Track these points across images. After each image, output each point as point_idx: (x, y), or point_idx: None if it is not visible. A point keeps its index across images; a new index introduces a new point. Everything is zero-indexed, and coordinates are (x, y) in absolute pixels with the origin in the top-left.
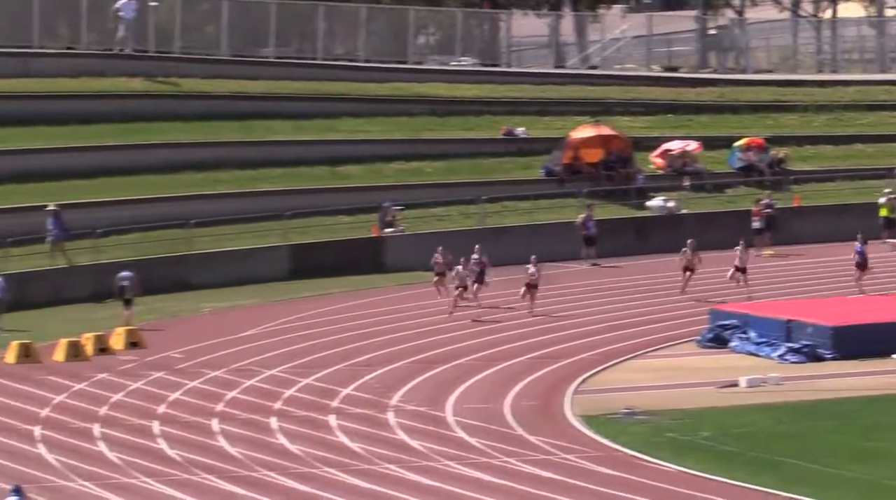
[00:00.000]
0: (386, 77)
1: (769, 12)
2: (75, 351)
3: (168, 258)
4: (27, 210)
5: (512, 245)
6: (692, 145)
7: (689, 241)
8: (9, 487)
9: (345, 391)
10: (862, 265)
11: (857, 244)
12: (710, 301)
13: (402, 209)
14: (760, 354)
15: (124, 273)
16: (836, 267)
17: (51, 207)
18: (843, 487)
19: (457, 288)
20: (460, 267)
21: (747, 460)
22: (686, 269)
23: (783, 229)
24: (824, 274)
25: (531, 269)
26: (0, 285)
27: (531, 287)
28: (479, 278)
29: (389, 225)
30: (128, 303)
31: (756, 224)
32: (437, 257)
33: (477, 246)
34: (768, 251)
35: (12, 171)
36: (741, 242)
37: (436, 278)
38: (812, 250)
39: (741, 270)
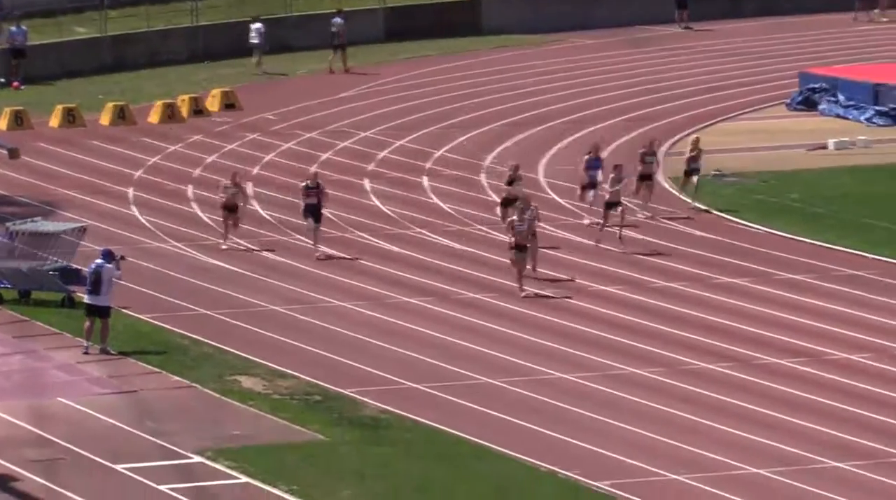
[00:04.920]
0: None
1: None
2: (170, 112)
3: (266, 20)
4: None
5: (609, 9)
6: None
7: None
8: (99, 250)
9: (438, 153)
10: None
11: None
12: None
13: None
14: (849, 117)
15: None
16: None
17: None
18: None
19: None
20: None
21: (835, 221)
22: None
23: None
24: None
25: None
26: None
27: None
28: None
29: None
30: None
31: None
32: None
33: None
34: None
35: None
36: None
37: None
38: None
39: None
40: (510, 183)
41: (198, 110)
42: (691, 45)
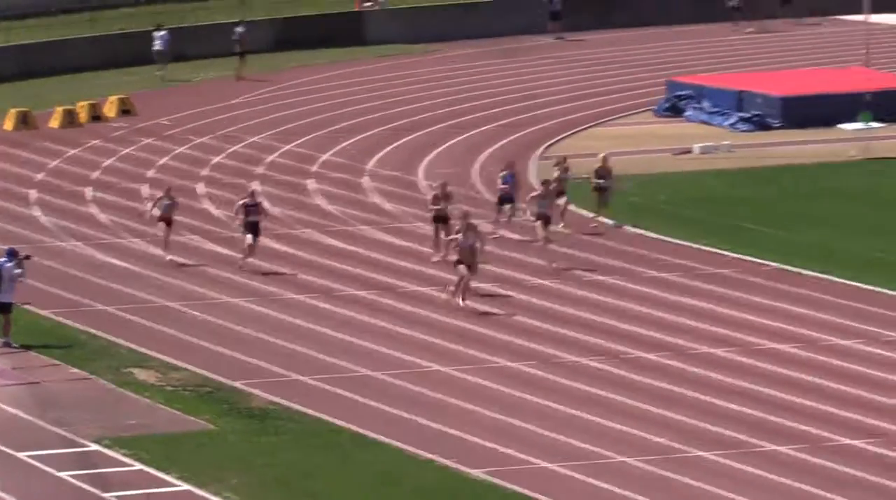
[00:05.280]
0: None
1: None
2: (70, 118)
3: (169, 29)
4: None
5: (485, 20)
6: None
7: None
8: (4, 249)
9: (323, 157)
10: None
11: None
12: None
13: None
14: (713, 122)
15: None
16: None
17: None
18: (797, 250)
19: None
20: None
21: (701, 222)
22: None
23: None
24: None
25: None
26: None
27: None
28: None
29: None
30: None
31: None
32: None
33: None
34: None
35: None
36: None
37: None
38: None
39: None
40: (437, 200)
41: (96, 116)
42: (564, 55)
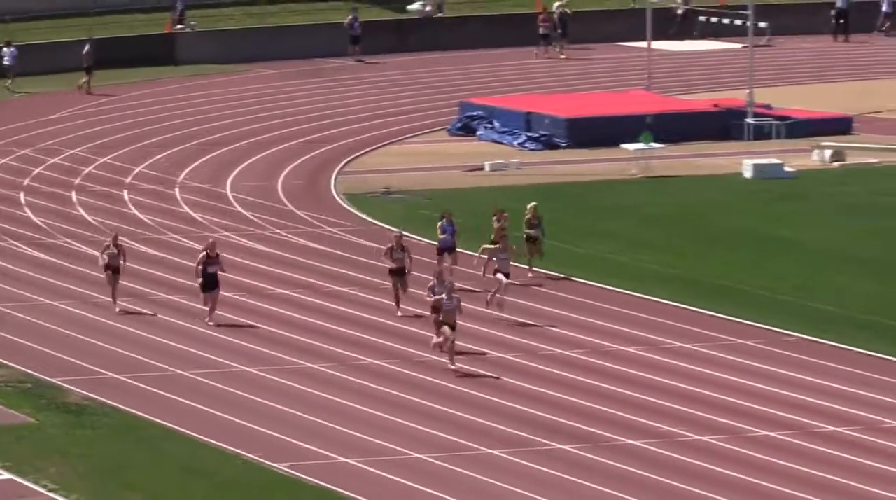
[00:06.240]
0: None
1: None
2: None
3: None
4: None
5: (290, 43)
6: None
7: None
8: None
9: (137, 169)
10: None
11: None
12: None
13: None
14: (503, 141)
15: None
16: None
17: None
18: (577, 262)
19: None
20: None
21: (489, 234)
22: None
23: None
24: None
25: None
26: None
27: None
28: None
29: (180, 22)
30: None
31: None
32: None
33: None
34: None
35: None
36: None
37: None
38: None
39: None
40: (392, 251)
41: None
42: (363, 76)
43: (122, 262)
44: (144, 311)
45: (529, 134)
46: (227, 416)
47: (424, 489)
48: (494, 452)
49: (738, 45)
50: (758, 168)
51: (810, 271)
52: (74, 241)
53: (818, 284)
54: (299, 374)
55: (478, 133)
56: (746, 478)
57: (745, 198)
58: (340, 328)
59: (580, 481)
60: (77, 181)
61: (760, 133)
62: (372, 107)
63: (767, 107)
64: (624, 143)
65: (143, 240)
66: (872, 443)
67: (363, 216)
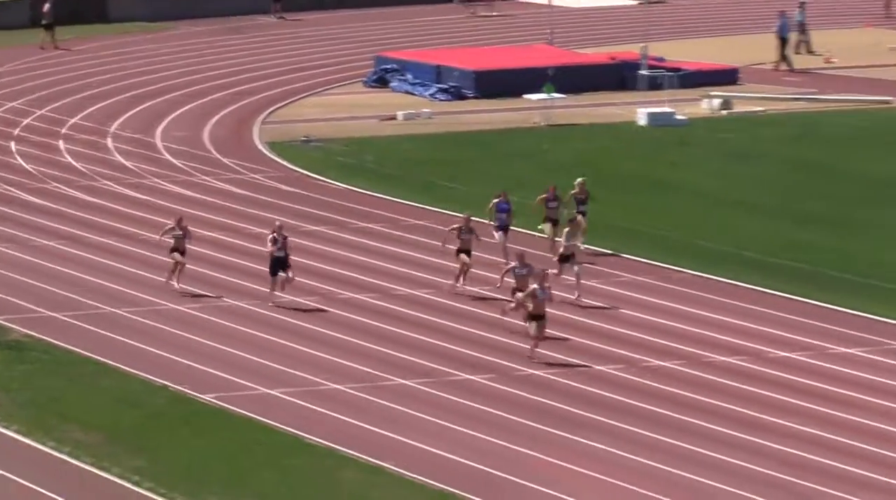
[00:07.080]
0: None
1: None
2: None
3: None
4: None
5: (216, 2)
6: None
7: None
8: None
9: (72, 120)
10: None
11: None
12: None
13: None
14: (415, 93)
15: None
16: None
17: None
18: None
19: None
20: None
21: (403, 180)
22: None
23: None
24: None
25: None
26: None
27: None
28: None
29: None
30: None
31: None
32: None
33: None
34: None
35: None
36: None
37: None
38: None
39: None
40: (461, 232)
41: None
42: (284, 32)
43: (186, 244)
44: (82, 253)
45: (440, 85)
46: (156, 351)
47: (342, 416)
48: (407, 382)
49: (635, 2)
50: (652, 116)
51: (700, 212)
52: (13, 188)
53: (707, 224)
54: (225, 311)
55: (392, 85)
56: (641, 405)
57: (640, 144)
58: (263, 267)
59: (485, 408)
60: (16, 132)
61: (654, 84)
62: (293, 61)
63: (661, 59)
64: (528, 93)
65: (78, 187)
66: (760, 372)
67: (284, 163)
